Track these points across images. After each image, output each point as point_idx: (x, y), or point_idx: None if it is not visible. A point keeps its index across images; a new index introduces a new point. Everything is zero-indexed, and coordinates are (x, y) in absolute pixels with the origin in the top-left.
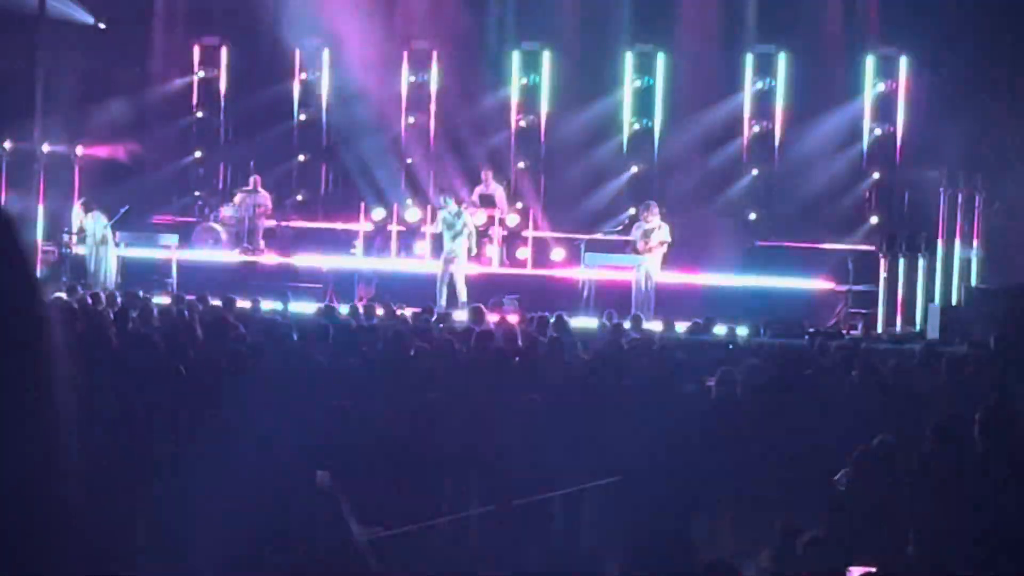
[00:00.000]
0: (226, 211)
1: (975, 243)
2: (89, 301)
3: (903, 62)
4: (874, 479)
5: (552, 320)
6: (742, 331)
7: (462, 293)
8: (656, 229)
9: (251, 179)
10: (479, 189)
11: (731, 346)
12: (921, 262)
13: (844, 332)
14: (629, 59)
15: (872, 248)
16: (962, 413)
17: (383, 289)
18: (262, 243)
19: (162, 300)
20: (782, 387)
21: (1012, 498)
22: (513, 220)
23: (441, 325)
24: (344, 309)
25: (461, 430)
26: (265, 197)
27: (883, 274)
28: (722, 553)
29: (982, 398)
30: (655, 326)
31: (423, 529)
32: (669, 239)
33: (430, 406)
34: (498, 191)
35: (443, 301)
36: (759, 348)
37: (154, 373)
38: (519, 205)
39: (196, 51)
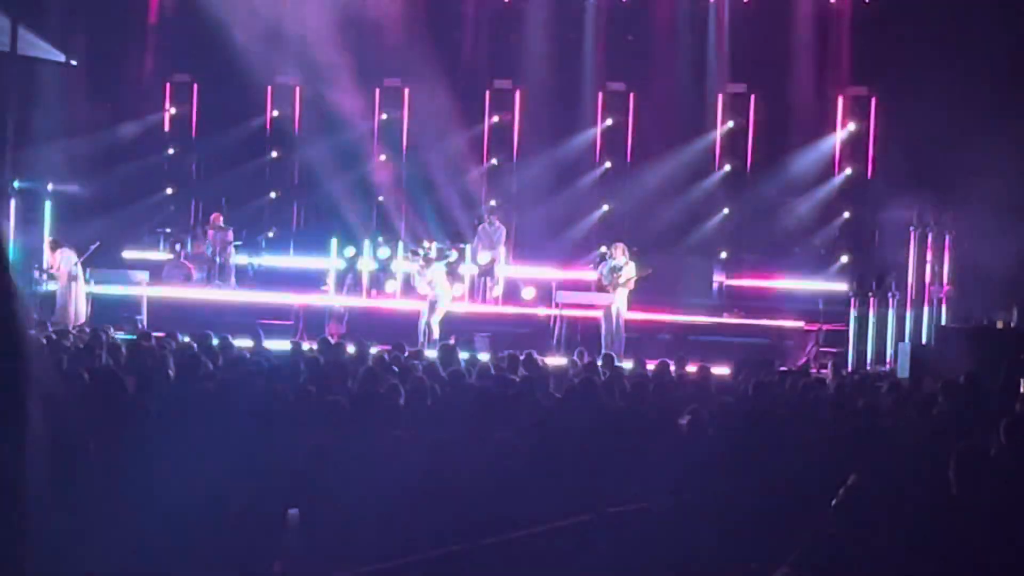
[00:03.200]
0: (197, 248)
1: (945, 282)
2: (57, 338)
3: (873, 102)
4: (846, 519)
5: (523, 358)
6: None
7: (435, 331)
8: (623, 267)
9: (213, 216)
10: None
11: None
12: (891, 301)
13: (815, 371)
14: (600, 98)
15: (843, 287)
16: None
17: (354, 326)
18: (233, 280)
19: (132, 337)
20: (754, 426)
21: (987, 539)
22: (484, 258)
23: (414, 362)
24: (315, 346)
25: (433, 467)
26: (229, 232)
27: (853, 313)
28: None
29: (952, 437)
30: (626, 365)
31: (395, 568)
32: (635, 276)
33: (402, 444)
34: (484, 230)
35: (423, 339)
36: (731, 387)
37: (122, 410)
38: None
39: (168, 88)
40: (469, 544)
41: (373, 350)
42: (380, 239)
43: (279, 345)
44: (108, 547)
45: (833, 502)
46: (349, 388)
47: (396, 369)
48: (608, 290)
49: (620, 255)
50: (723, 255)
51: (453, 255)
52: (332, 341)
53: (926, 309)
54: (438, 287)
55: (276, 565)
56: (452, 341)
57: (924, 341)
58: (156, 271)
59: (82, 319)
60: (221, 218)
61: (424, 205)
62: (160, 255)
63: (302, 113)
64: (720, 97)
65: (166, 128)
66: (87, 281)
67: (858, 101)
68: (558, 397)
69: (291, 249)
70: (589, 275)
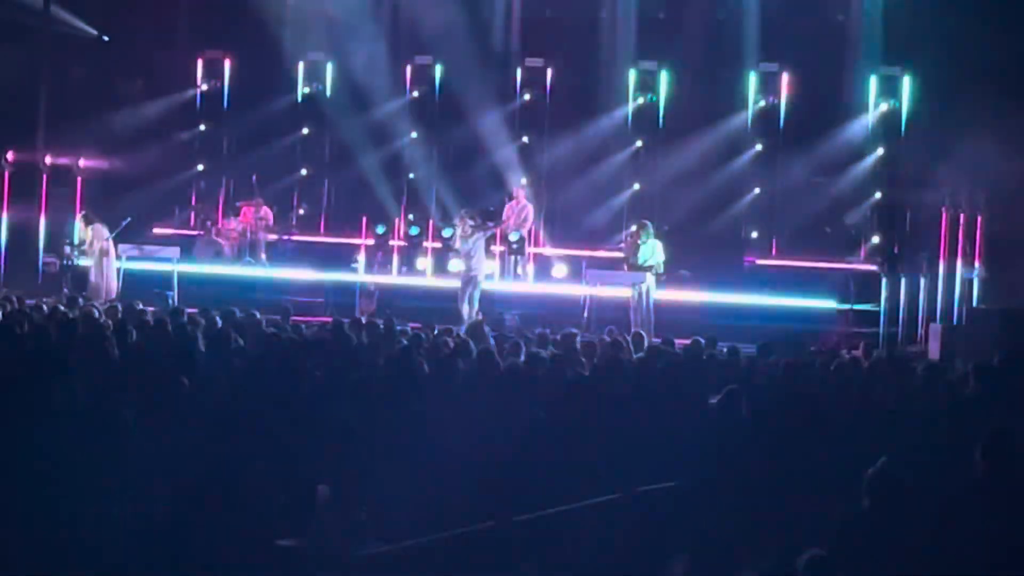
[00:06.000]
0: (228, 224)
1: (976, 263)
2: (89, 313)
3: (906, 81)
4: (876, 501)
5: (553, 336)
6: (746, 350)
7: (476, 306)
8: (652, 253)
9: (256, 199)
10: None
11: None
12: (923, 282)
13: (845, 352)
14: (632, 76)
15: (874, 268)
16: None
17: (384, 304)
18: (263, 256)
19: (163, 313)
20: (785, 406)
21: (1015, 522)
22: (515, 236)
23: (444, 339)
24: (345, 324)
25: (462, 444)
26: (267, 211)
27: (884, 293)
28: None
29: (983, 419)
30: (656, 343)
31: (425, 544)
32: (664, 257)
33: (431, 421)
34: (512, 208)
35: (467, 316)
36: (762, 367)
37: (154, 386)
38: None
39: (199, 64)
40: (498, 521)
41: (403, 328)
42: (411, 217)
43: (309, 322)
44: (139, 519)
45: (863, 483)
46: (379, 366)
47: (426, 347)
48: (635, 269)
49: (647, 236)
50: (754, 235)
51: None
52: (362, 319)
53: (957, 290)
54: (476, 258)
55: (304, 540)
56: (481, 318)
57: (955, 322)
58: (187, 247)
59: (113, 295)
60: (262, 202)
61: (455, 183)
62: (191, 231)
63: (334, 90)
64: (752, 76)
65: (197, 104)
66: (118, 256)
67: (890, 80)
68: (587, 376)
69: (322, 226)
70: (619, 254)
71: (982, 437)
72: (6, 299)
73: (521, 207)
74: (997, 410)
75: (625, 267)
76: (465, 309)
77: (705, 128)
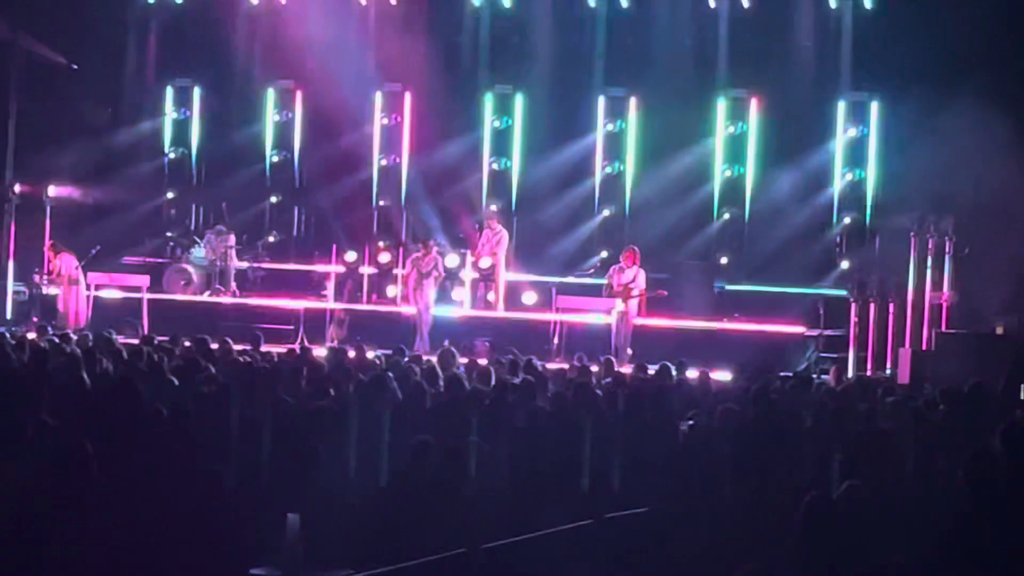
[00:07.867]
0: (197, 252)
1: (945, 288)
2: (59, 342)
3: (874, 107)
4: (841, 524)
5: (523, 363)
6: (716, 375)
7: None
8: (633, 279)
9: (221, 222)
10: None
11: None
12: (891, 307)
13: (815, 376)
14: (601, 103)
15: (843, 293)
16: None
17: (354, 331)
18: (233, 284)
19: (132, 341)
20: (755, 431)
21: (987, 544)
22: (486, 263)
23: (413, 367)
24: (316, 351)
25: (434, 471)
26: (232, 239)
27: (854, 319)
28: None
29: (952, 444)
30: (627, 369)
31: (395, 572)
32: (644, 286)
33: (401, 447)
34: (487, 236)
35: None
36: (732, 391)
37: (124, 414)
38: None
39: (169, 92)
40: (469, 548)
41: (373, 354)
42: (381, 244)
43: (279, 350)
44: (110, 548)
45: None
46: (349, 392)
47: (394, 374)
48: (620, 297)
49: (630, 264)
50: (724, 260)
51: (453, 258)
52: (333, 346)
53: (926, 315)
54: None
55: (274, 568)
56: (448, 345)
57: (924, 347)
58: (156, 276)
59: (83, 323)
60: (223, 224)
61: (426, 210)
62: (160, 259)
63: (303, 117)
64: (721, 102)
65: (167, 132)
66: (87, 285)
67: (859, 105)
68: (556, 402)
69: (292, 254)
70: (589, 281)
71: (964, 459)
72: None
73: (495, 233)
74: (965, 434)
75: (606, 293)
76: (418, 342)
77: (674, 154)
